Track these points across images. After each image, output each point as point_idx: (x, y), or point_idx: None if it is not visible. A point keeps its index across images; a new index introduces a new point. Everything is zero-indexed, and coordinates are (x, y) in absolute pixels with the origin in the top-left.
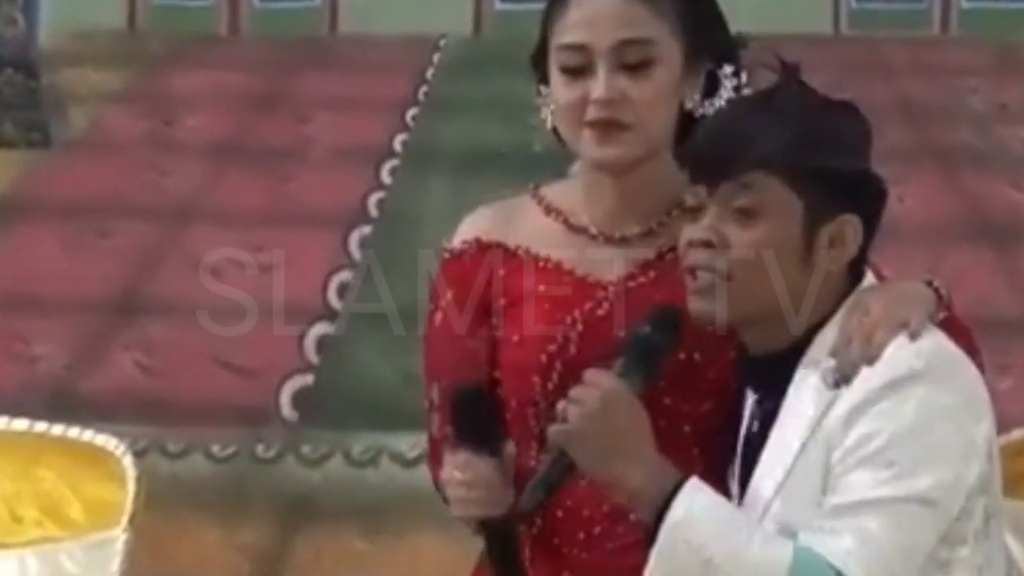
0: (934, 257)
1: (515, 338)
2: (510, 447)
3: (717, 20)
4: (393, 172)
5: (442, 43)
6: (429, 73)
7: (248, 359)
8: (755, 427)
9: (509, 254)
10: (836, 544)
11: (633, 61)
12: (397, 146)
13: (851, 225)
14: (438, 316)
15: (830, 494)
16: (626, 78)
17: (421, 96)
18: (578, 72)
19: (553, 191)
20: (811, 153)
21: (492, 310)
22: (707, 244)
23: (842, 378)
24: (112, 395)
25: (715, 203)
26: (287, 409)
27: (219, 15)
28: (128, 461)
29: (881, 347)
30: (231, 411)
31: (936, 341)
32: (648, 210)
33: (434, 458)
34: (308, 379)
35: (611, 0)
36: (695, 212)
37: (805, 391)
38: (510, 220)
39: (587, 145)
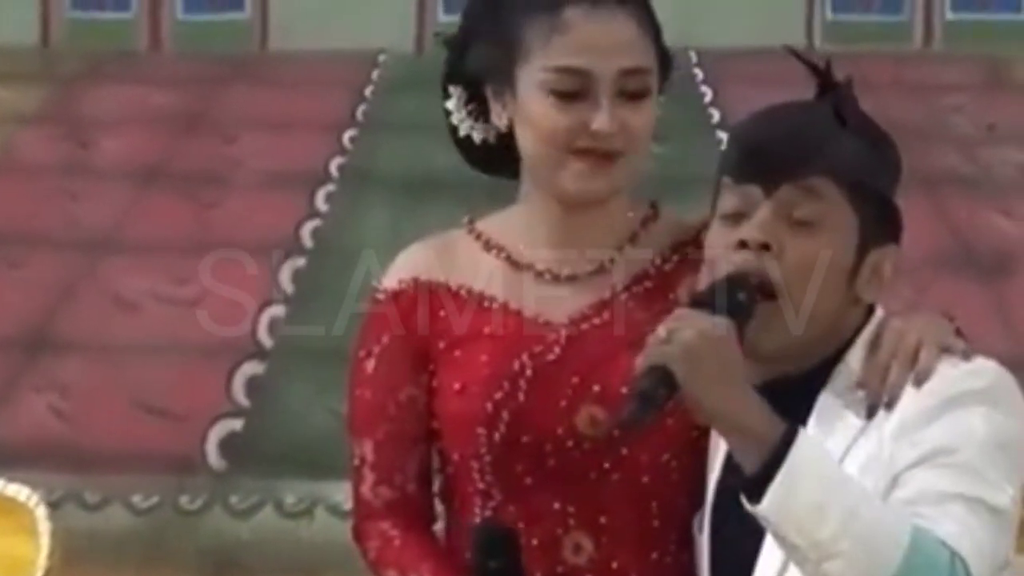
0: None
1: (456, 386)
2: None
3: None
4: (329, 198)
5: (381, 59)
6: (367, 91)
7: (171, 402)
8: None
9: (450, 294)
10: (944, 528)
11: (632, 90)
12: (333, 170)
13: (891, 256)
14: (370, 363)
15: (900, 489)
16: (624, 108)
17: (359, 116)
18: (572, 97)
19: (490, 225)
20: (876, 171)
21: (431, 356)
22: (765, 247)
23: (884, 404)
24: (23, 441)
25: (771, 206)
26: (214, 456)
27: (139, 29)
28: (42, 513)
29: (929, 367)
30: (153, 458)
31: (993, 363)
32: (599, 246)
33: (364, 522)
34: (236, 423)
35: (618, 25)
36: (737, 217)
37: (825, 427)
38: (447, 257)
39: (571, 176)
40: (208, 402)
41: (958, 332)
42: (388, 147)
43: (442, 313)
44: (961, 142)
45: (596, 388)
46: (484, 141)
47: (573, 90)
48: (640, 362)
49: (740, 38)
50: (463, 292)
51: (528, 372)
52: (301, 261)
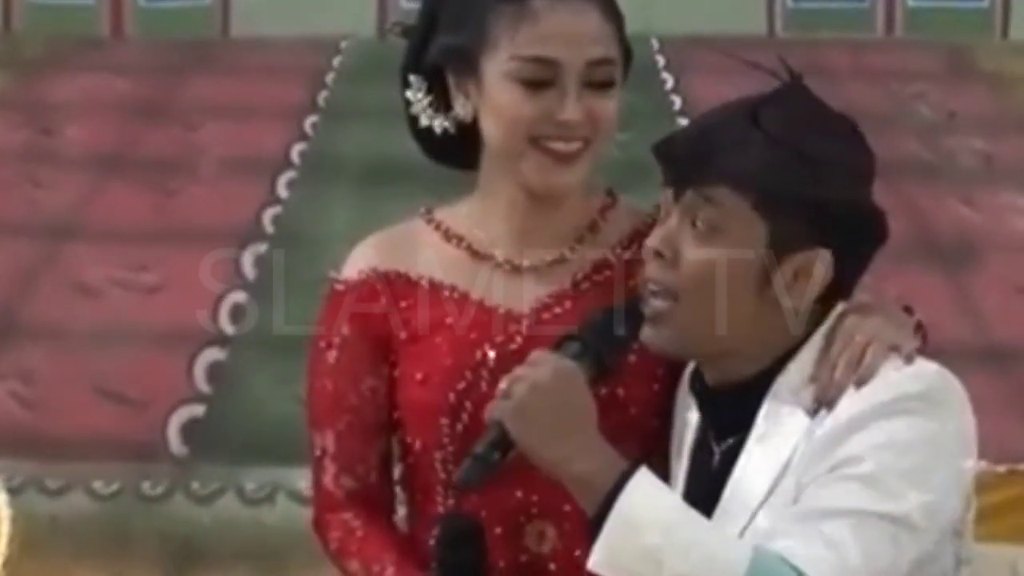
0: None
1: (419, 376)
2: None
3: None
4: (290, 185)
5: (343, 45)
6: (329, 78)
7: (133, 388)
8: (713, 462)
9: (410, 284)
10: (805, 549)
11: (599, 81)
12: (294, 157)
13: (821, 260)
14: (331, 354)
15: (803, 500)
16: (590, 98)
17: (320, 102)
18: (540, 87)
19: (449, 215)
20: (788, 178)
21: (392, 346)
22: (659, 255)
23: (826, 402)
24: None
25: (677, 212)
26: (175, 442)
27: (101, 15)
28: (2, 499)
29: (872, 369)
30: (115, 445)
31: (935, 366)
32: (558, 236)
33: (325, 513)
34: (198, 410)
35: (586, 16)
36: (662, 221)
37: (779, 423)
38: (406, 247)
39: (534, 169)
40: (169, 388)
41: (919, 326)
42: (350, 134)
43: (403, 303)
44: (923, 130)
45: None
46: (444, 131)
47: (541, 79)
48: (486, 415)
49: (702, 25)
50: (423, 282)
51: (491, 362)
52: (262, 247)
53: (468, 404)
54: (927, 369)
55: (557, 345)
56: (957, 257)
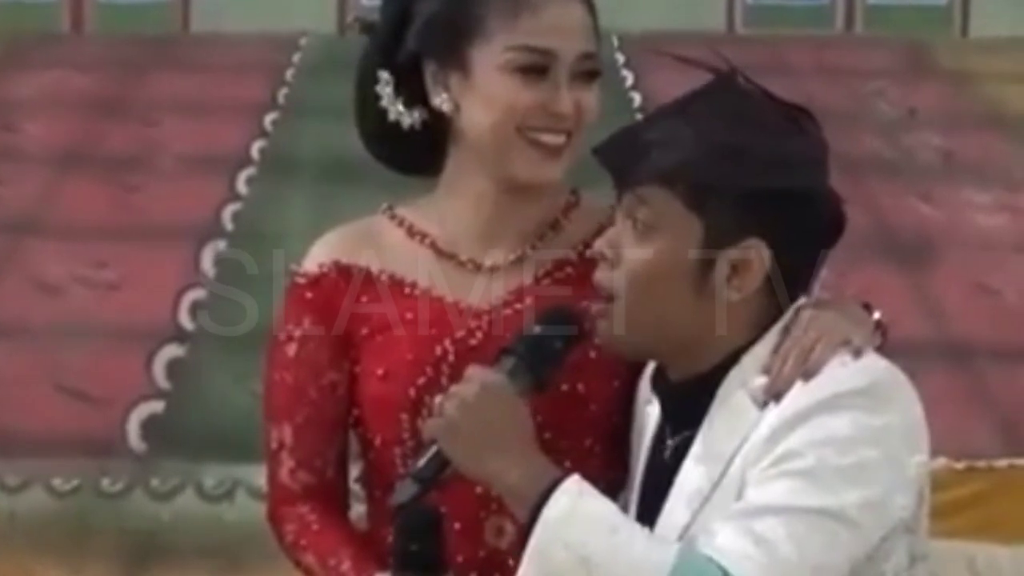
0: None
1: (379, 371)
2: None
3: None
4: (250, 182)
5: (303, 42)
6: (289, 74)
7: (92, 384)
8: (665, 455)
9: (371, 279)
10: (732, 545)
11: (590, 71)
12: (254, 153)
13: (756, 251)
14: (291, 347)
15: (742, 500)
16: (580, 88)
17: (280, 99)
18: (537, 76)
19: (411, 212)
20: (715, 171)
21: (352, 341)
22: (603, 256)
23: (774, 395)
24: None
25: (620, 214)
26: (135, 439)
27: (61, 11)
28: None
29: (820, 363)
30: (74, 441)
31: (883, 363)
32: (522, 234)
33: (281, 506)
34: (157, 406)
35: (575, 9)
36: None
37: (727, 415)
38: (368, 243)
39: (522, 161)
40: (129, 385)
41: (879, 324)
42: (309, 130)
43: (364, 298)
44: (882, 127)
45: None
46: (411, 129)
47: (539, 67)
48: (425, 436)
49: (661, 22)
50: (384, 277)
51: (451, 357)
52: (222, 244)
53: (428, 399)
54: (874, 365)
55: (496, 359)
56: (916, 254)
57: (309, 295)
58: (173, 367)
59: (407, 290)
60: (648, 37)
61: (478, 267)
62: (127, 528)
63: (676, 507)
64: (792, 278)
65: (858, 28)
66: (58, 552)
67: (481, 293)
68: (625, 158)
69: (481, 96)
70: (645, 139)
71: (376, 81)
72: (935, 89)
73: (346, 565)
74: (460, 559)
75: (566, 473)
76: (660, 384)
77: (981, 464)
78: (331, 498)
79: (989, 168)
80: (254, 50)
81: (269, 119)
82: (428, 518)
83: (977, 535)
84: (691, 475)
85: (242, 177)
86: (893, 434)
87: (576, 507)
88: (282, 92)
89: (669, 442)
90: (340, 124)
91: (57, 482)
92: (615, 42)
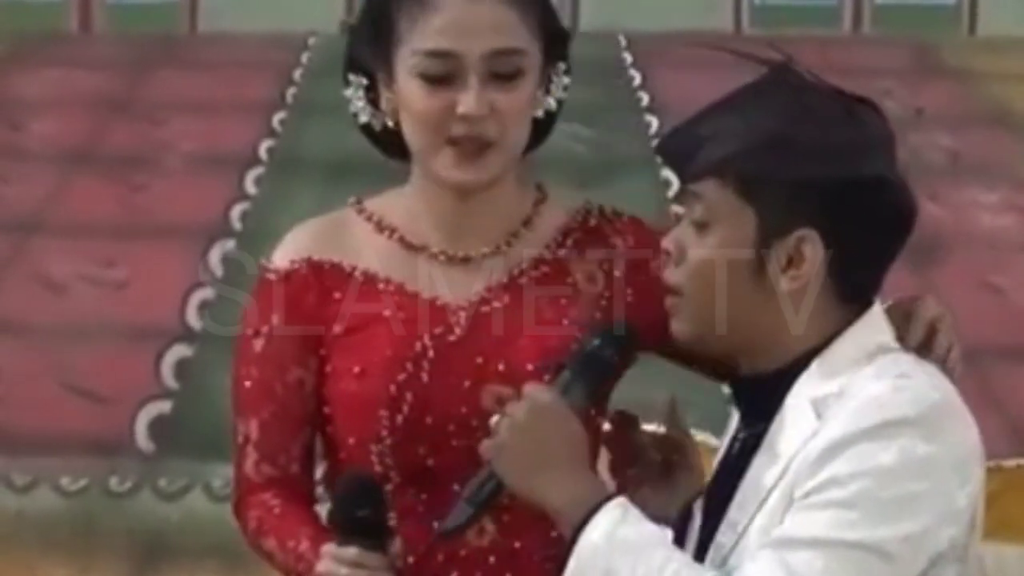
0: None
1: (356, 369)
2: (396, 544)
3: (556, 17)
4: (258, 181)
5: (311, 42)
6: (297, 74)
7: (100, 384)
8: (735, 450)
9: (344, 275)
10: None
11: (504, 72)
12: (262, 153)
13: (808, 241)
14: (259, 343)
15: (782, 526)
16: (495, 90)
17: (288, 99)
18: (441, 81)
19: (380, 205)
20: (764, 159)
21: (324, 339)
22: (667, 253)
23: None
24: None
25: (683, 211)
26: (143, 438)
27: (69, 11)
28: None
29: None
30: (82, 441)
31: (941, 388)
32: (492, 231)
33: (245, 496)
34: (165, 406)
35: (483, 5)
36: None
37: (792, 419)
38: (339, 238)
39: (445, 165)
40: (137, 384)
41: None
42: (317, 130)
43: (336, 295)
44: None
45: (501, 367)
46: (385, 127)
47: (442, 74)
48: (481, 451)
49: (669, 22)
50: (357, 273)
51: (431, 353)
52: (230, 243)
53: (409, 395)
54: (928, 392)
55: (553, 374)
56: (923, 253)
57: (279, 291)
58: (181, 367)
59: (381, 286)
60: (656, 37)
61: (451, 259)
62: (135, 528)
63: (743, 504)
64: (855, 272)
65: (865, 28)
66: (66, 551)
67: (457, 289)
68: (681, 153)
69: (402, 103)
70: (698, 134)
71: (348, 84)
72: (942, 89)
73: (304, 545)
74: (440, 558)
75: (611, 495)
76: (734, 380)
77: (989, 464)
78: (294, 489)
79: (996, 167)
80: (262, 50)
81: (277, 119)
82: (369, 484)
83: (986, 535)
84: (757, 474)
85: (250, 177)
86: (942, 465)
87: (616, 532)
88: (290, 92)
89: (740, 435)
90: (348, 123)
91: (65, 481)
92: (623, 41)
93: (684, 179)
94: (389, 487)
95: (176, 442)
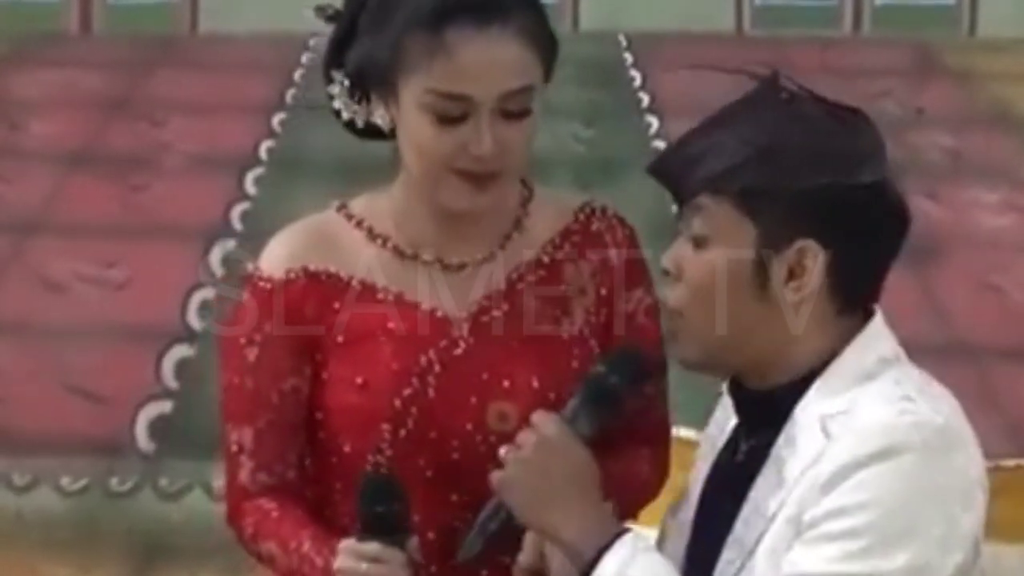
0: None
1: (359, 380)
2: (414, 542)
3: (555, 38)
4: (258, 181)
5: (311, 42)
6: (297, 74)
7: (100, 384)
8: (738, 458)
9: (341, 284)
10: None
11: (515, 110)
12: (262, 153)
13: (810, 251)
14: (252, 351)
15: (789, 558)
16: (504, 127)
17: (288, 99)
18: (453, 120)
19: (367, 210)
20: (759, 172)
21: (322, 347)
22: (666, 272)
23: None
24: None
25: (682, 228)
26: (143, 438)
27: (68, 11)
28: None
29: None
30: (82, 440)
31: (945, 415)
32: (485, 236)
33: (241, 503)
34: (166, 406)
35: (503, 46)
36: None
37: (799, 437)
38: (331, 246)
39: (453, 194)
40: (137, 384)
41: None
42: (318, 130)
43: (335, 305)
44: (889, 126)
45: (506, 384)
46: (367, 123)
47: (455, 115)
48: (491, 482)
49: (670, 23)
50: (355, 283)
51: (436, 368)
52: (230, 244)
53: (414, 410)
54: (934, 417)
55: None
56: (923, 253)
57: (275, 300)
58: (182, 367)
59: (380, 295)
60: (657, 38)
61: (446, 266)
62: (135, 528)
63: (749, 521)
64: (855, 280)
65: (866, 29)
66: (66, 551)
67: (456, 298)
68: (675, 172)
69: (406, 131)
70: (692, 151)
71: (331, 80)
72: (943, 89)
73: (307, 545)
74: (433, 569)
75: (622, 531)
76: (737, 391)
77: (988, 464)
78: (291, 493)
79: (996, 168)
80: (262, 50)
81: (277, 119)
82: (391, 481)
83: (984, 535)
84: (763, 494)
85: (250, 177)
86: (948, 491)
87: (627, 570)
88: (290, 92)
89: (743, 445)
90: None
91: (65, 481)
92: (623, 42)
93: (681, 197)
94: None
95: (176, 442)
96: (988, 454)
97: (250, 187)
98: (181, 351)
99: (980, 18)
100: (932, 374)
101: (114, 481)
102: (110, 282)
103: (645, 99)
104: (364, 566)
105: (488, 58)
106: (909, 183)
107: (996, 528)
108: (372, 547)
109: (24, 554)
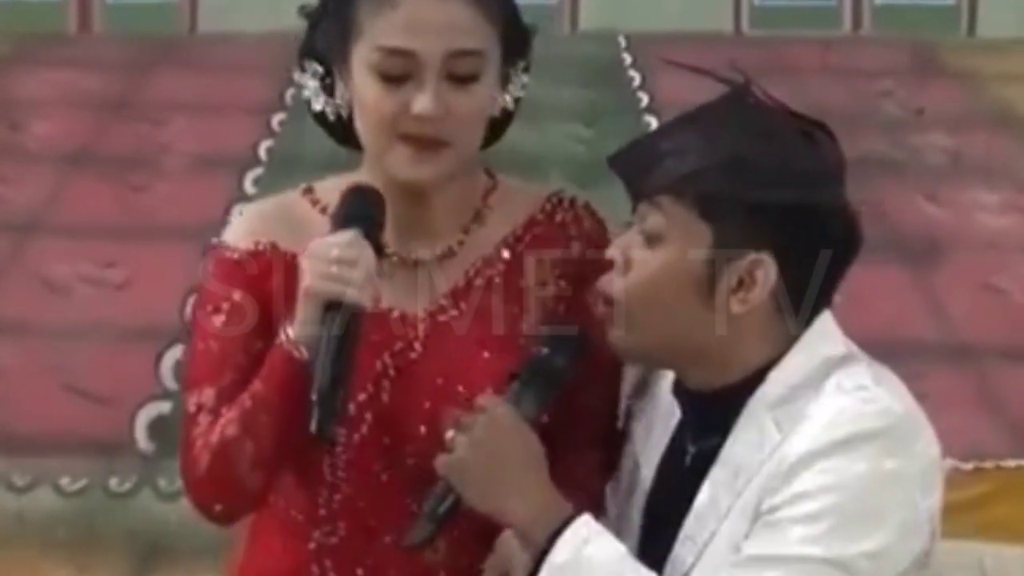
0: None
1: None
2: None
3: (518, 14)
4: (257, 182)
5: None
6: (297, 75)
7: (100, 384)
8: (686, 461)
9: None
10: None
11: (462, 74)
12: (262, 153)
13: (762, 266)
14: (219, 318)
15: (749, 542)
16: (451, 91)
17: (288, 99)
18: (398, 79)
19: (331, 195)
20: (724, 180)
21: (281, 329)
22: (613, 263)
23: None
24: None
25: (635, 220)
26: (142, 439)
27: (68, 11)
28: None
29: None
30: (81, 441)
31: (904, 402)
32: (445, 226)
33: (194, 467)
34: (165, 406)
35: (447, 3)
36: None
37: (750, 435)
38: (298, 229)
39: (398, 162)
40: (136, 385)
41: None
42: (317, 131)
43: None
44: (889, 127)
45: (461, 388)
46: (339, 117)
47: (399, 73)
48: (436, 466)
49: (669, 22)
50: None
51: (391, 372)
52: None
53: (368, 415)
54: (895, 405)
55: (505, 384)
56: (923, 254)
57: (241, 269)
58: (181, 367)
59: None
60: (656, 38)
61: (404, 261)
62: (134, 528)
63: (702, 518)
64: (804, 294)
65: (866, 29)
66: (65, 552)
67: (414, 296)
68: (638, 168)
69: (357, 98)
70: (657, 150)
71: (304, 71)
72: (942, 89)
73: (254, 386)
74: (392, 573)
75: (575, 513)
76: (681, 392)
77: (989, 465)
78: None
79: (996, 168)
80: (262, 50)
81: (277, 119)
82: (370, 189)
83: (985, 536)
84: (715, 489)
85: (250, 177)
86: (909, 478)
87: (581, 553)
88: (290, 92)
89: (691, 448)
90: None
91: (64, 482)
92: (622, 42)
93: (639, 193)
94: (338, 497)
95: (176, 443)
96: (988, 454)
97: (250, 187)
98: (180, 351)
99: (980, 18)
100: (932, 374)
101: (113, 481)
102: (110, 282)
103: (644, 99)
104: (336, 250)
105: (434, 13)
106: (909, 184)
107: (996, 528)
108: (348, 234)
109: (24, 554)
